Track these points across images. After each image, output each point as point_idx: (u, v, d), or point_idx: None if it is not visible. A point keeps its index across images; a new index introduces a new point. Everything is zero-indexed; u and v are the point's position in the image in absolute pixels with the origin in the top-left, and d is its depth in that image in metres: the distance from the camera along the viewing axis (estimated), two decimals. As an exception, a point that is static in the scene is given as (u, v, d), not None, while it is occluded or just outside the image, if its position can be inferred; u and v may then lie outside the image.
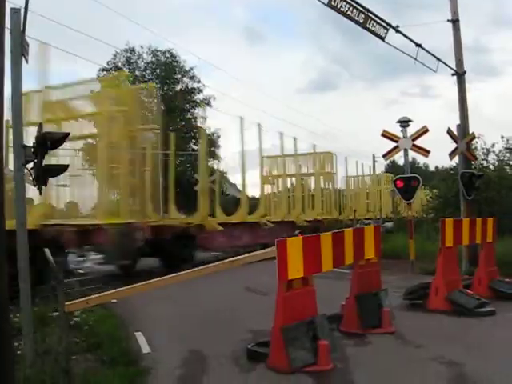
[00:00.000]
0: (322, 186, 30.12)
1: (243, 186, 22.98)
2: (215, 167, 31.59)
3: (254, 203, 25.18)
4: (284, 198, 26.89)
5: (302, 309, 6.77)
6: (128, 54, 38.98)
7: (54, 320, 8.10)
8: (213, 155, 36.47)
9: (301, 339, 6.53)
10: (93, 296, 7.24)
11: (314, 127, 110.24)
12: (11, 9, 6.05)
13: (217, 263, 7.69)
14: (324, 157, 29.49)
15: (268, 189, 27.82)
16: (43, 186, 6.43)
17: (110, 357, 6.98)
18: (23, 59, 6.30)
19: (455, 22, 16.12)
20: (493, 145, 24.23)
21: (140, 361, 7.10)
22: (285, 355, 6.34)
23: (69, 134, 6.72)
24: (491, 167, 23.92)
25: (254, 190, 24.49)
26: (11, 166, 6.69)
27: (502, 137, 25.26)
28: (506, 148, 25.63)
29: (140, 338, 8.40)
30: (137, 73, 38.89)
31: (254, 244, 20.62)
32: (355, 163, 36.66)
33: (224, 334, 8.41)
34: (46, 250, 6.18)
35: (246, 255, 8.09)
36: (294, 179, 28.58)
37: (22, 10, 6.22)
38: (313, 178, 29.76)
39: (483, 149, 23.88)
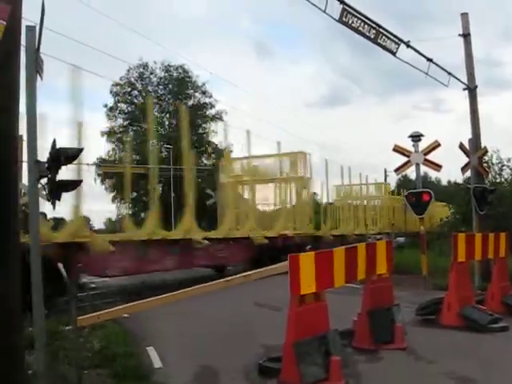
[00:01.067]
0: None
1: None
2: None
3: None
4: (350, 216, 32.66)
5: (315, 324, 6.76)
6: (141, 70, 39.33)
7: (66, 334, 8.14)
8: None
9: (313, 355, 6.51)
10: (104, 311, 7.28)
11: (325, 141, 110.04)
12: (26, 26, 6.14)
13: (229, 278, 7.71)
14: (384, 187, 40.58)
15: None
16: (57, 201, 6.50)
17: (121, 371, 6.99)
18: (38, 76, 6.38)
19: (466, 36, 16.18)
20: (509, 159, 24.08)
21: (151, 375, 7.10)
22: (296, 370, 6.32)
23: (82, 149, 6.80)
24: (504, 182, 23.79)
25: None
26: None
27: (516, 151, 25.08)
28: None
29: (152, 352, 8.40)
30: (149, 88, 39.24)
31: None
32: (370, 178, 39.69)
33: (235, 349, 8.39)
34: (60, 265, 6.23)
35: (258, 270, 8.10)
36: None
37: (37, 27, 6.31)
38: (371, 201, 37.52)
39: (499, 163, 23.76)
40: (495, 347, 8.25)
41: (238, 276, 7.55)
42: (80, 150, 6.67)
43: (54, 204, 6.51)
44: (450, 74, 15.79)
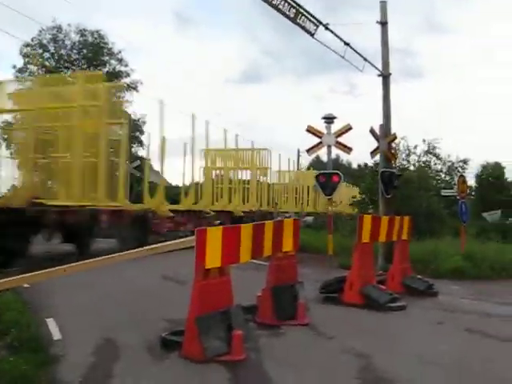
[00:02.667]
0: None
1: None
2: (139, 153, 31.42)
3: (177, 191, 25.41)
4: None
5: (218, 298, 6.77)
6: (54, 32, 37.72)
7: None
8: (138, 141, 36.01)
9: (215, 329, 6.53)
10: (4, 279, 7.01)
11: (242, 118, 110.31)
12: None
13: (135, 250, 7.57)
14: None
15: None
16: None
17: (18, 343, 6.74)
18: None
19: (384, 24, 16.49)
20: (415, 146, 25.20)
21: (50, 347, 6.90)
22: (198, 344, 6.33)
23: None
24: (412, 168, 24.85)
25: (178, 179, 24.80)
26: None
27: (424, 140, 26.34)
28: (427, 151, 26.75)
29: (51, 324, 8.17)
30: (62, 51, 37.79)
31: None
32: (283, 158, 37.92)
33: (139, 323, 8.29)
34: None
35: (165, 243, 8.02)
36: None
37: None
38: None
39: (406, 150, 24.80)
40: (392, 325, 8.60)
41: (142, 249, 7.43)
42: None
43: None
44: (365, 59, 16.07)
